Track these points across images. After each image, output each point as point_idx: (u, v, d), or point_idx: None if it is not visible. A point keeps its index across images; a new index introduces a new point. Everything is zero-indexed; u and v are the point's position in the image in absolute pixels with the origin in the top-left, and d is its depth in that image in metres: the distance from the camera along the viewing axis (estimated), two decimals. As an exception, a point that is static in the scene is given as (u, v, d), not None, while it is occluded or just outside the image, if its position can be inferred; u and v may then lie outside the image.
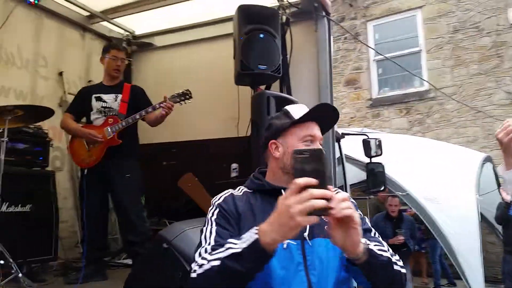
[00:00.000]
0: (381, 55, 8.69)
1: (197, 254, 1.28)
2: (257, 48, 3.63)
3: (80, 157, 3.41)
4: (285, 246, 1.32)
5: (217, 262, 1.18)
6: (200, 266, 1.22)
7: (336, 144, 5.30)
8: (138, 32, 5.07)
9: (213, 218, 1.35)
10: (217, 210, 1.37)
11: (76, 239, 4.01)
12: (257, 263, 1.16)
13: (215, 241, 1.28)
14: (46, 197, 3.43)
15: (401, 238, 5.84)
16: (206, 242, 1.30)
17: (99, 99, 3.53)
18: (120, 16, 4.67)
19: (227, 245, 1.20)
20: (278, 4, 3.94)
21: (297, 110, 1.51)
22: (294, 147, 1.41)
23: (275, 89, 4.02)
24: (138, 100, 3.58)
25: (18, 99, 3.86)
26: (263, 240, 1.13)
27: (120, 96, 3.53)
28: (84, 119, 3.61)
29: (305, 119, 1.48)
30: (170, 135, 4.55)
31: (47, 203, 3.44)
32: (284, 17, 3.96)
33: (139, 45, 5.17)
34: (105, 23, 4.80)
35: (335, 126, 5.35)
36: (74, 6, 4.40)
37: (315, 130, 1.48)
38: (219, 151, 4.10)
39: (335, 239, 1.16)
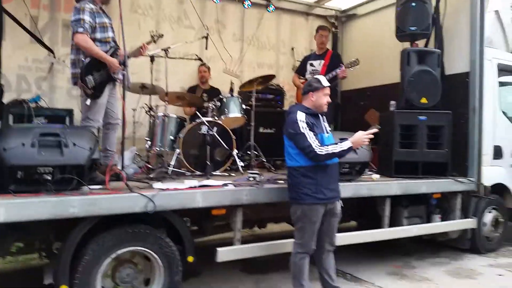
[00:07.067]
0: None
1: (312, 144, 3.05)
2: (410, 14, 4.97)
3: (300, 100, 5.68)
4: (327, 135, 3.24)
5: (335, 150, 3.11)
6: (324, 150, 3.09)
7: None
8: (343, 8, 7.00)
9: (306, 127, 3.20)
10: (305, 123, 3.25)
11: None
12: (348, 153, 3.15)
13: (315, 140, 3.14)
14: (282, 125, 5.92)
15: None
16: (311, 139, 3.17)
17: (311, 64, 5.72)
18: (330, 1, 6.74)
19: (339, 145, 3.12)
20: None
21: (323, 80, 3.27)
22: (320, 97, 3.22)
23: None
24: (333, 63, 5.52)
25: (268, 68, 6.59)
26: (353, 146, 3.12)
27: (323, 61, 5.60)
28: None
29: (324, 86, 3.24)
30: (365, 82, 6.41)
31: (282, 128, 5.97)
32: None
33: (347, 16, 7.06)
34: (320, 8, 6.93)
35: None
36: (299, 5, 6.80)
37: (329, 90, 3.29)
38: (391, 93, 5.50)
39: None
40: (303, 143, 3.09)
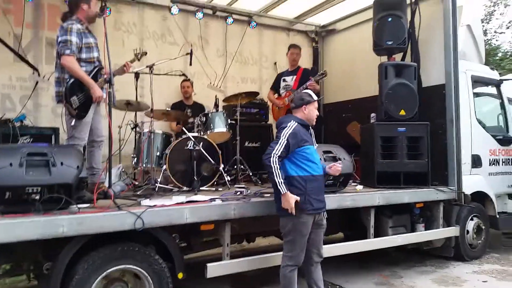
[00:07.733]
0: None
1: (275, 152, 3.16)
2: (387, 29, 5.14)
3: (275, 114, 5.91)
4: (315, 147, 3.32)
5: (274, 177, 3.11)
6: (273, 164, 3.13)
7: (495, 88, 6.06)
8: (323, 23, 7.19)
9: (286, 138, 3.31)
10: (291, 134, 3.33)
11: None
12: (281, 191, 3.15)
13: (281, 153, 3.19)
14: (267, 138, 6.06)
15: None
16: (279, 150, 3.20)
17: (284, 80, 5.90)
18: (310, 17, 6.90)
19: (280, 183, 3.10)
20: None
21: (313, 94, 3.43)
22: (312, 110, 3.36)
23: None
24: (305, 78, 5.66)
25: (252, 83, 6.74)
26: (284, 194, 3.12)
27: (295, 77, 5.78)
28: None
29: (316, 99, 3.39)
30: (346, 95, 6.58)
31: (267, 142, 6.06)
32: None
33: (327, 31, 7.26)
34: (301, 24, 7.11)
35: (494, 72, 6.08)
36: (280, 21, 6.98)
37: (317, 104, 3.43)
38: (371, 105, 5.64)
39: None
40: (273, 145, 3.23)
